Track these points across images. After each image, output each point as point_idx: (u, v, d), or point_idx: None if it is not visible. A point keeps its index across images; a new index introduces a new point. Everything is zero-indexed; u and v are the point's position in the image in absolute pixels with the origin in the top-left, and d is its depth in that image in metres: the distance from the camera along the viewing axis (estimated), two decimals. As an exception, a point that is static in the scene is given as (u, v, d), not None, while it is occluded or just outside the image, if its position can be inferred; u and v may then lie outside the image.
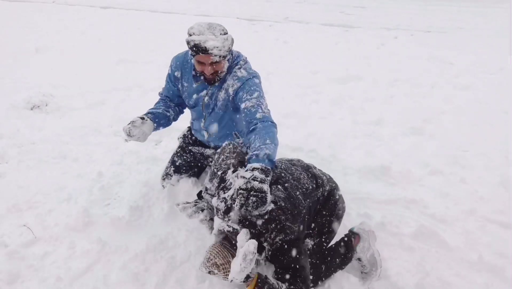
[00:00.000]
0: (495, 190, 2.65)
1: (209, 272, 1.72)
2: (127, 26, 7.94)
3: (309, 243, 1.98)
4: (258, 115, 1.99)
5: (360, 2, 11.23)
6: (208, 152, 2.59)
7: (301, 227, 1.81)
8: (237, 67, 2.23)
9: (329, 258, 1.96)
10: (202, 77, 2.24)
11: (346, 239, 2.06)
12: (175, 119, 2.55)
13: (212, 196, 1.90)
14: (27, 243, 2.21)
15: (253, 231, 1.67)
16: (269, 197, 1.65)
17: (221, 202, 1.74)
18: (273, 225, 1.70)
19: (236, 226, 1.67)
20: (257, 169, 1.67)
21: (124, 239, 2.25)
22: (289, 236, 1.73)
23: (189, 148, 2.67)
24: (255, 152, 1.75)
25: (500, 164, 2.95)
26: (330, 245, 2.04)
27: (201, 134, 2.53)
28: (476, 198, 2.56)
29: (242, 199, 1.61)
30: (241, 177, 1.67)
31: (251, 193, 1.61)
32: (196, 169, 2.71)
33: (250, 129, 1.95)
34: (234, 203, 1.66)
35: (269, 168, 1.70)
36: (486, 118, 3.68)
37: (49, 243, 2.22)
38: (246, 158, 1.81)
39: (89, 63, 5.49)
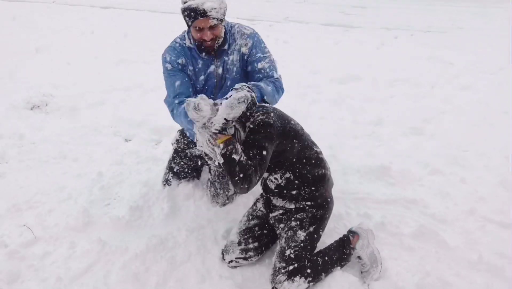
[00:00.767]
0: (495, 190, 2.65)
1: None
2: (127, 26, 7.93)
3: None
4: (275, 76, 2.16)
5: (360, 2, 11.22)
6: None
7: (285, 130, 1.85)
8: (236, 27, 2.23)
9: (327, 251, 2.00)
10: (203, 52, 2.16)
11: (344, 237, 2.08)
12: None
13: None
14: (27, 243, 2.21)
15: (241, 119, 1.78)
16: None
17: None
18: (258, 110, 1.80)
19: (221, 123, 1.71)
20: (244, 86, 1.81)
21: (124, 239, 2.25)
22: (270, 120, 1.77)
23: (185, 151, 2.55)
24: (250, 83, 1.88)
25: (500, 164, 2.95)
26: (329, 244, 2.07)
27: None
28: (476, 198, 2.56)
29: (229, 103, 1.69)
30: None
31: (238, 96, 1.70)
32: (195, 173, 2.70)
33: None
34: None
35: (254, 89, 1.84)
36: (486, 118, 3.68)
37: (49, 243, 2.22)
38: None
39: (89, 63, 5.48)
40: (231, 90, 1.82)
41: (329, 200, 2.04)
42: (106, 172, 2.89)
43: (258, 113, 1.78)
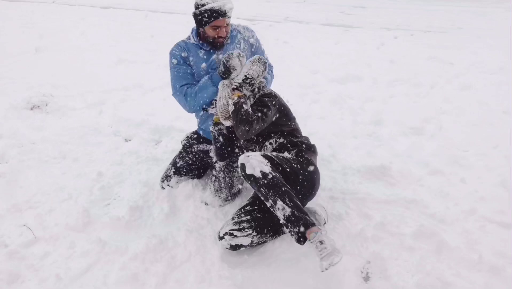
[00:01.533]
0: (495, 190, 2.65)
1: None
2: (127, 26, 7.93)
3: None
4: (271, 64, 2.65)
5: (360, 2, 11.22)
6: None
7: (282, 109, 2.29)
8: (234, 24, 2.56)
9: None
10: (208, 45, 2.43)
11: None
12: None
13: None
14: (27, 243, 2.21)
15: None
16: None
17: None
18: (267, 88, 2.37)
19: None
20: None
21: (124, 239, 2.25)
22: (277, 95, 2.34)
23: (193, 147, 2.65)
24: None
25: (500, 164, 2.94)
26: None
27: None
28: (476, 198, 2.56)
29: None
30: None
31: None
32: (196, 172, 2.71)
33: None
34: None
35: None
36: (486, 118, 3.68)
37: (49, 243, 2.22)
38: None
39: (89, 63, 5.49)
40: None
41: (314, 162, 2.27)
42: (106, 172, 2.89)
43: (267, 89, 2.33)
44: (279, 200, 1.95)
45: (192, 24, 2.50)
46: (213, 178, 2.55)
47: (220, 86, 2.26)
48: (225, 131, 2.36)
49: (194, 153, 2.66)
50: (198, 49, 2.45)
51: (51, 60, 5.59)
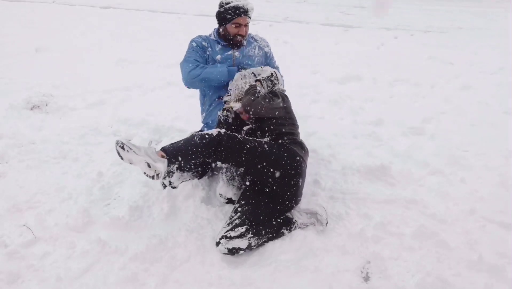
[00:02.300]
0: (495, 190, 2.65)
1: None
2: (127, 26, 7.93)
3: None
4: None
5: (360, 2, 11.22)
6: None
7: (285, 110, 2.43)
8: (251, 33, 2.86)
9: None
10: (227, 43, 2.68)
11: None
12: None
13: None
14: (27, 243, 2.20)
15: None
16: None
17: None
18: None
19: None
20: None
21: (124, 239, 2.24)
22: (287, 97, 2.53)
23: None
24: None
25: (500, 164, 2.95)
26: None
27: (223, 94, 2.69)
28: (476, 198, 2.56)
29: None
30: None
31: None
32: (200, 169, 2.71)
33: None
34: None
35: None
36: (486, 118, 3.68)
37: (49, 243, 2.22)
38: None
39: (89, 63, 5.49)
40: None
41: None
42: (106, 172, 2.89)
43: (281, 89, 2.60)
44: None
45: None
46: (224, 169, 2.57)
47: (238, 74, 2.54)
48: (230, 120, 2.49)
49: None
50: (216, 44, 2.71)
51: (51, 60, 5.59)
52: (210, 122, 2.76)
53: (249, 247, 2.16)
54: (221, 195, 2.51)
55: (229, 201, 2.51)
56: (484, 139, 3.30)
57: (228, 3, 2.56)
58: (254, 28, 2.77)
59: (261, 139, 2.34)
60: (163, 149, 2.18)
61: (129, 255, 2.10)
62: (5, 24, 7.91)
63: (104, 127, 3.62)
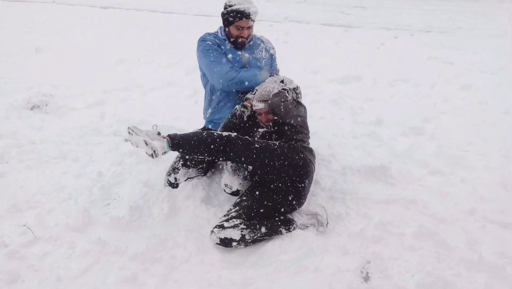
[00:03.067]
0: (495, 190, 2.65)
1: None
2: (127, 26, 7.93)
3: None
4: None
5: (360, 2, 11.22)
6: None
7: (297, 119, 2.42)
8: (258, 34, 2.90)
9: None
10: (233, 44, 2.70)
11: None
12: None
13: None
14: (27, 243, 2.21)
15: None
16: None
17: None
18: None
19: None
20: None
21: (124, 239, 2.25)
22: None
23: None
24: None
25: (500, 164, 2.95)
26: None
27: (232, 97, 2.74)
28: (476, 198, 2.56)
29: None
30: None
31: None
32: (204, 165, 2.71)
33: None
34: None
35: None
36: (486, 118, 3.68)
37: (49, 243, 2.22)
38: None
39: (89, 63, 5.48)
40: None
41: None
42: (106, 172, 2.89)
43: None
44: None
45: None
46: (229, 162, 2.58)
47: (271, 78, 2.66)
48: (245, 118, 2.59)
49: None
50: (225, 42, 2.73)
51: (51, 60, 5.59)
52: (217, 118, 2.78)
53: (243, 240, 2.16)
54: (226, 186, 2.51)
55: (234, 193, 2.52)
56: (484, 139, 3.30)
57: (231, 5, 2.60)
58: (254, 28, 2.77)
59: (270, 141, 2.38)
60: (168, 135, 2.29)
61: (129, 255, 2.10)
62: (5, 24, 7.91)
63: (104, 127, 3.62)
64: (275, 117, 2.44)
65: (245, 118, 2.59)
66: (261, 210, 2.26)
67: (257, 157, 2.24)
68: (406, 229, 2.27)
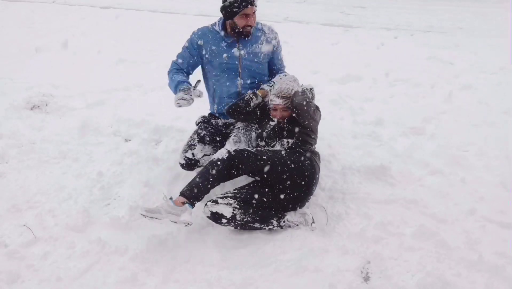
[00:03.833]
0: (495, 190, 2.64)
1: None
2: (127, 26, 7.93)
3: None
4: (283, 70, 2.92)
5: (360, 2, 11.22)
6: (231, 121, 2.76)
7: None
8: (261, 22, 2.77)
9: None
10: (234, 38, 2.62)
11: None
12: None
13: None
14: (27, 243, 2.21)
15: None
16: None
17: None
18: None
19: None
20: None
21: (124, 239, 2.25)
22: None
23: (211, 121, 2.83)
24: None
25: (500, 164, 2.94)
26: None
27: (232, 96, 2.71)
28: (476, 198, 2.55)
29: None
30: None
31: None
32: (219, 138, 2.74)
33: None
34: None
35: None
36: (486, 118, 3.68)
37: (49, 243, 2.22)
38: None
39: (89, 63, 5.48)
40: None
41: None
42: (106, 172, 2.89)
43: None
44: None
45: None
46: (232, 134, 2.64)
47: (290, 75, 2.66)
48: (252, 105, 2.56)
49: (213, 125, 2.79)
50: (221, 41, 2.64)
51: (51, 60, 5.58)
52: (221, 109, 2.79)
53: (233, 219, 2.17)
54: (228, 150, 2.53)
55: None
56: (484, 139, 3.29)
57: None
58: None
59: (275, 149, 2.41)
60: (182, 194, 2.20)
61: (129, 255, 2.11)
62: (5, 24, 7.91)
63: (104, 127, 3.62)
64: (292, 115, 2.44)
65: (251, 106, 2.56)
66: (259, 202, 2.26)
67: (265, 167, 2.26)
68: (406, 229, 2.27)
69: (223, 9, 2.57)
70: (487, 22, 8.51)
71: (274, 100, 2.47)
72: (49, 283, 1.96)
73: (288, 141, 2.43)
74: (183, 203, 2.16)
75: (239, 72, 2.68)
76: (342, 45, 6.60)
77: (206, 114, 2.93)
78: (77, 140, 3.37)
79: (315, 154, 2.46)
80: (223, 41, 2.64)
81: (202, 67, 2.79)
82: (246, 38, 2.63)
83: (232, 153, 2.27)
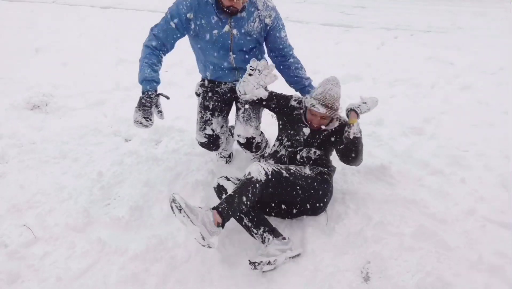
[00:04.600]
0: (495, 190, 2.65)
1: None
2: (127, 26, 7.93)
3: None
4: (291, 52, 2.80)
5: (360, 2, 11.21)
6: (234, 82, 2.62)
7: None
8: None
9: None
10: (222, 14, 2.34)
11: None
12: None
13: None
14: (27, 243, 2.21)
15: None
16: None
17: None
18: None
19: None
20: None
21: (124, 239, 2.25)
22: None
23: (214, 88, 2.66)
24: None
25: (500, 164, 2.94)
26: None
27: (226, 69, 2.53)
28: (476, 198, 2.56)
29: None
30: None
31: None
32: (227, 107, 2.68)
33: (288, 57, 2.76)
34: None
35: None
36: (486, 118, 3.68)
37: (49, 243, 2.22)
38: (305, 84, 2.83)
39: (89, 63, 5.48)
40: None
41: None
42: (106, 172, 2.89)
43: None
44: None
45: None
46: (240, 111, 2.58)
47: (334, 77, 2.48)
48: (242, 102, 2.50)
49: (218, 94, 2.64)
50: (212, 14, 2.36)
51: (51, 60, 5.58)
52: (216, 76, 2.62)
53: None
54: (239, 136, 2.50)
55: (247, 142, 2.50)
56: (484, 139, 3.29)
57: None
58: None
59: (303, 172, 2.29)
60: (220, 211, 1.96)
61: (129, 255, 2.11)
62: (5, 24, 7.91)
63: (104, 127, 3.62)
64: (332, 129, 2.42)
65: (241, 102, 2.50)
66: (263, 198, 2.18)
67: (290, 193, 2.23)
68: (406, 229, 2.27)
69: None
70: (487, 22, 8.50)
71: (317, 109, 2.30)
72: (49, 283, 1.96)
73: (315, 152, 2.41)
74: (219, 224, 1.94)
75: (231, 47, 2.45)
76: (342, 45, 6.60)
77: (203, 81, 2.71)
78: (77, 141, 3.37)
79: (334, 171, 2.51)
80: (214, 16, 2.36)
81: (188, 36, 2.53)
82: (238, 15, 2.37)
83: (270, 177, 2.11)
